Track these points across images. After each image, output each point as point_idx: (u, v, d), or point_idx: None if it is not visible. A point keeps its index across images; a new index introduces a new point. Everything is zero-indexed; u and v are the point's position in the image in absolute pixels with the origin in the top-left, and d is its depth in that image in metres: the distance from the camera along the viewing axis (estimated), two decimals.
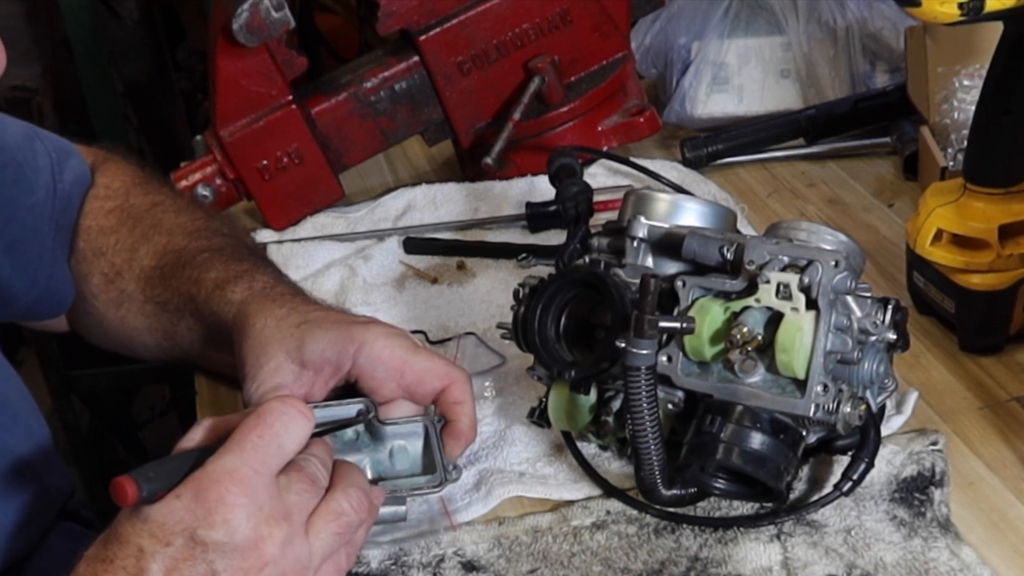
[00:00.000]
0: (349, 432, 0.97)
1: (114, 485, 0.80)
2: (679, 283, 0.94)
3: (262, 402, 0.97)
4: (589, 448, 1.04)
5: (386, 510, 0.95)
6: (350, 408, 0.98)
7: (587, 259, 1.03)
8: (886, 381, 0.96)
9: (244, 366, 1.01)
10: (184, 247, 1.14)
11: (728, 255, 0.94)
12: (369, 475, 0.98)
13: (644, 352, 0.90)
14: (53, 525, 1.06)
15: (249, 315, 1.03)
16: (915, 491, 0.96)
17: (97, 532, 0.84)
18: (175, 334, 1.15)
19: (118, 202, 1.20)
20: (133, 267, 1.16)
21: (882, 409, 0.99)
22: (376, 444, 0.98)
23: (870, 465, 0.95)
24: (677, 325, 0.91)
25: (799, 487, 0.98)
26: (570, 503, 1.00)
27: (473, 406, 1.01)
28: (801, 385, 0.90)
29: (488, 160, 1.42)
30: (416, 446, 0.99)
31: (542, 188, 1.40)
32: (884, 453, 0.97)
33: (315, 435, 0.93)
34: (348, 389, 1.01)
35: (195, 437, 0.88)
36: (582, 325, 1.00)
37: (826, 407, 0.90)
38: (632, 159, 1.44)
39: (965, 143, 1.15)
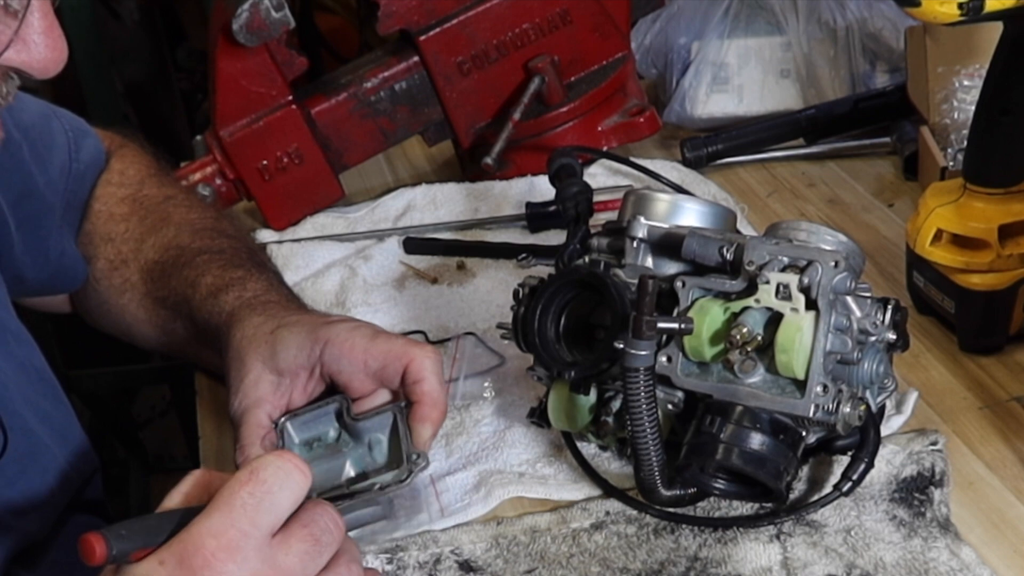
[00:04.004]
0: (331, 433, 0.97)
1: (81, 542, 0.73)
2: (679, 283, 0.94)
3: (245, 417, 0.97)
4: (589, 448, 1.04)
5: (364, 512, 0.94)
6: (327, 409, 0.98)
7: (587, 259, 1.03)
8: (886, 381, 0.96)
9: (228, 379, 1.01)
10: (187, 245, 1.15)
11: (728, 255, 0.94)
12: (352, 472, 0.97)
13: (643, 353, 0.90)
14: (70, 513, 1.04)
15: (232, 325, 1.03)
16: (915, 491, 0.96)
17: None
18: (173, 331, 1.15)
19: (131, 191, 1.21)
20: (139, 258, 1.16)
21: (882, 409, 0.99)
22: (356, 441, 0.98)
23: (870, 465, 0.95)
24: (675, 326, 0.91)
25: (799, 487, 0.98)
26: (569, 503, 1.00)
27: (436, 382, 0.97)
28: (801, 385, 0.90)
29: (488, 160, 1.42)
30: (387, 437, 0.98)
31: (542, 188, 1.40)
32: (884, 453, 0.97)
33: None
34: (333, 390, 1.00)
35: (183, 490, 0.81)
36: (582, 325, 1.00)
37: (826, 407, 0.90)
38: (632, 159, 1.44)
39: (965, 143, 1.15)
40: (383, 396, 0.99)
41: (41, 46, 0.81)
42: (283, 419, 0.98)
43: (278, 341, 0.99)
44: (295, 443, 0.98)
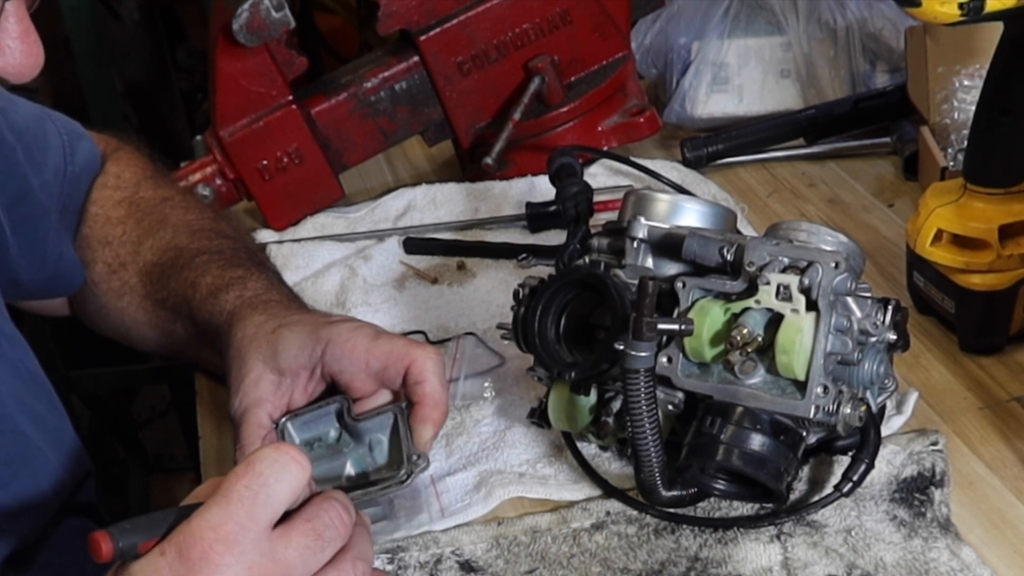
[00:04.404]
0: (332, 433, 0.97)
1: (89, 541, 0.74)
2: (679, 284, 0.94)
3: (245, 417, 0.97)
4: (589, 448, 1.04)
5: (364, 512, 0.93)
6: (327, 409, 0.98)
7: (587, 259, 1.03)
8: (886, 381, 0.96)
9: (228, 378, 1.01)
10: (185, 246, 1.14)
11: (728, 256, 0.93)
12: (352, 473, 0.97)
13: (643, 354, 0.90)
14: (63, 516, 1.04)
15: (232, 324, 1.02)
16: (915, 491, 0.96)
17: None
18: (173, 332, 1.15)
19: (127, 193, 1.20)
20: (137, 260, 1.16)
21: (882, 409, 0.99)
22: (357, 441, 0.98)
23: (870, 466, 0.95)
24: (676, 327, 0.91)
25: (799, 488, 0.98)
26: (570, 504, 1.00)
27: (438, 383, 0.97)
28: (801, 386, 0.90)
29: (488, 160, 1.42)
30: (388, 437, 0.98)
31: (542, 188, 1.40)
32: (884, 453, 0.97)
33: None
34: (333, 390, 1.00)
35: (197, 492, 0.80)
36: (582, 326, 1.00)
37: (826, 408, 0.90)
38: (632, 159, 1.44)
39: (965, 143, 1.15)
40: (384, 396, 0.99)
41: (16, 52, 0.80)
42: (283, 419, 0.98)
43: (279, 340, 0.99)
44: (295, 443, 0.98)
